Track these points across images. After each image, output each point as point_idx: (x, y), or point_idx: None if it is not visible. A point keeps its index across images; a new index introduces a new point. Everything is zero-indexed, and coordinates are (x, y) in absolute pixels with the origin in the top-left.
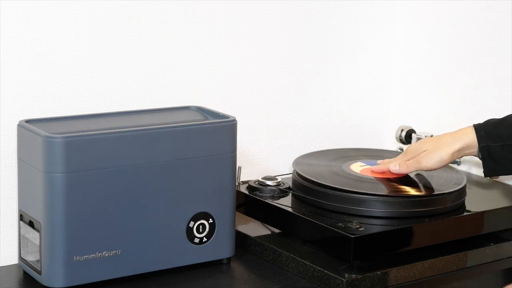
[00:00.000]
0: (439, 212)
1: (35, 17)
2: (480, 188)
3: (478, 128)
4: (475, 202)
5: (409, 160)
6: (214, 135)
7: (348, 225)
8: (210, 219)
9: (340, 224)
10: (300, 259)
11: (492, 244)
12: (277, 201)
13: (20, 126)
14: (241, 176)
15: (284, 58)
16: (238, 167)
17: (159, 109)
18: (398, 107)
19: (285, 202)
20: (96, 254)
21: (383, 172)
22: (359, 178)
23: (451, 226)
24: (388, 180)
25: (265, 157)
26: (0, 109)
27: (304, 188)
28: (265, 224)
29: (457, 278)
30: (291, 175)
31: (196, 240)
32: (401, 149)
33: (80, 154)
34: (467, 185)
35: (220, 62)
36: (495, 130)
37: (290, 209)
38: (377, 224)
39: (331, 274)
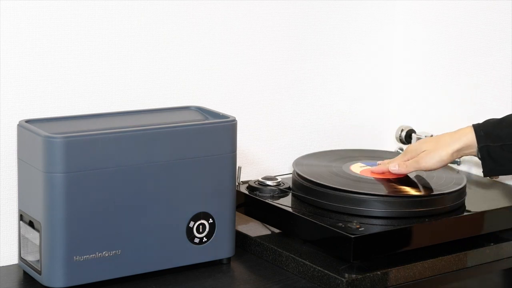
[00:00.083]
0: (439, 212)
1: (35, 17)
2: (480, 188)
3: (477, 128)
4: (475, 202)
5: (408, 160)
6: (214, 135)
7: (348, 225)
8: (210, 219)
9: (340, 224)
10: (300, 259)
11: (492, 244)
12: (277, 201)
13: (20, 126)
14: (241, 176)
15: (284, 58)
16: (238, 167)
17: (159, 109)
18: (398, 107)
19: (285, 202)
20: (96, 254)
21: (383, 173)
22: (359, 179)
23: (451, 226)
24: (388, 180)
25: (265, 157)
26: (0, 109)
27: (304, 188)
28: (265, 224)
29: (457, 278)
30: (291, 175)
31: (196, 240)
32: (401, 149)
33: (80, 154)
34: (467, 185)
35: (220, 62)
36: (494, 130)
37: (290, 209)
38: (377, 224)
39: (331, 274)
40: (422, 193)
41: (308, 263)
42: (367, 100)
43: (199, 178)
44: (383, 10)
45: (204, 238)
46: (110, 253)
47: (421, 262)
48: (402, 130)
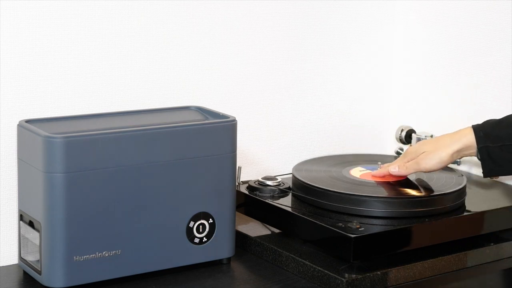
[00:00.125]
0: (439, 212)
1: (35, 17)
2: (480, 188)
3: (476, 129)
4: (475, 202)
5: (408, 162)
6: (214, 135)
7: (348, 225)
8: (210, 219)
9: (340, 224)
10: (300, 259)
11: (492, 244)
12: (277, 201)
13: (20, 126)
14: (241, 176)
15: (284, 58)
16: (238, 167)
17: (159, 109)
18: (398, 107)
19: (285, 202)
20: (96, 254)
21: (383, 176)
22: (359, 183)
23: (451, 226)
24: (389, 183)
25: (265, 157)
26: (0, 109)
27: (304, 188)
28: (265, 224)
29: (457, 278)
30: (291, 175)
31: (196, 240)
32: (401, 149)
33: (80, 154)
34: (467, 185)
35: (220, 62)
36: (493, 131)
37: (290, 209)
38: (377, 224)
39: (331, 274)
40: (422, 193)
41: (308, 263)
42: (367, 100)
43: (199, 178)
44: (383, 10)
45: (204, 238)
46: (110, 253)
47: (421, 262)
48: (402, 130)
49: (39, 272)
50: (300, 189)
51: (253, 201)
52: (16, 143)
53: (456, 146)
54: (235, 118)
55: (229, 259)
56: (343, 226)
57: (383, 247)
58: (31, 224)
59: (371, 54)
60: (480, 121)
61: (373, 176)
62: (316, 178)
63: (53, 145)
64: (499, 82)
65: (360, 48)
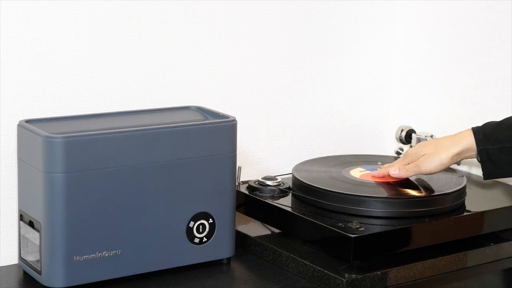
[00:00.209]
0: (439, 212)
1: (35, 17)
2: (480, 188)
3: (476, 131)
4: (475, 202)
5: (408, 164)
6: (214, 135)
7: (348, 225)
8: (210, 219)
9: (340, 224)
10: (300, 259)
11: (492, 244)
12: (277, 201)
13: (20, 126)
14: (241, 176)
15: (284, 58)
16: (238, 167)
17: (159, 109)
18: (398, 107)
19: (285, 202)
20: (96, 254)
21: (383, 177)
22: (359, 183)
23: (451, 226)
24: (388, 183)
25: (265, 157)
26: (0, 109)
27: (304, 188)
28: (265, 224)
29: (457, 278)
30: (291, 175)
31: (196, 240)
32: (401, 149)
33: (80, 154)
34: (467, 185)
35: (220, 62)
36: (493, 133)
37: (290, 209)
38: (377, 224)
39: (331, 274)
40: (422, 193)
41: (308, 263)
42: (367, 100)
43: (199, 178)
44: (383, 10)
45: (204, 238)
46: (110, 253)
47: (421, 262)
48: (402, 130)
49: (39, 272)
50: (300, 189)
51: (253, 201)
52: (16, 143)
53: (456, 149)
54: (235, 118)
55: (229, 259)
56: (343, 226)
57: (383, 247)
58: (31, 224)
59: (371, 54)
60: (480, 122)
61: (373, 176)
62: (316, 179)
63: (53, 145)
64: (499, 82)
65: (360, 48)
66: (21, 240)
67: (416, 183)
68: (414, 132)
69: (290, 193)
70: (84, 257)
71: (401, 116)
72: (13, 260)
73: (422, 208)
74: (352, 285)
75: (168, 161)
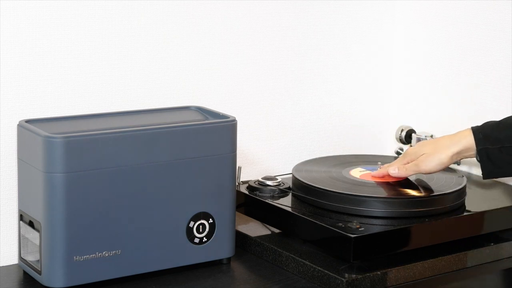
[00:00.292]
0: (439, 212)
1: (35, 17)
2: (480, 188)
3: (476, 131)
4: (475, 202)
5: (408, 163)
6: (214, 135)
7: (348, 225)
8: (210, 219)
9: (340, 224)
10: (300, 259)
11: (492, 244)
12: (277, 201)
13: (20, 126)
14: (241, 176)
15: (284, 58)
16: (238, 167)
17: (159, 109)
18: (398, 107)
19: (285, 202)
20: (96, 254)
21: (383, 176)
22: (359, 183)
23: (451, 226)
24: (388, 183)
25: (265, 157)
26: (0, 109)
27: (304, 188)
28: (265, 224)
29: (457, 278)
30: (291, 175)
31: (196, 240)
32: (401, 149)
33: (80, 154)
34: (467, 185)
35: (220, 62)
36: (493, 133)
37: (290, 209)
38: (377, 224)
39: (331, 274)
40: (422, 193)
41: (308, 263)
42: (367, 100)
43: (199, 178)
44: (383, 10)
45: (204, 238)
46: (110, 253)
47: (421, 262)
48: (402, 130)
49: (39, 272)
50: (300, 189)
51: (253, 201)
52: (16, 143)
53: (455, 148)
54: (235, 118)
55: (229, 259)
56: (343, 226)
57: (383, 247)
58: (31, 224)
59: (371, 54)
60: (480, 121)
61: (373, 176)
62: (316, 179)
63: (53, 145)
64: (499, 82)
65: (360, 48)
66: (21, 240)
67: (416, 183)
68: (414, 132)
69: (290, 193)
70: (84, 257)
71: (401, 116)
72: (13, 260)
73: (422, 208)
74: (352, 285)
75: (168, 161)
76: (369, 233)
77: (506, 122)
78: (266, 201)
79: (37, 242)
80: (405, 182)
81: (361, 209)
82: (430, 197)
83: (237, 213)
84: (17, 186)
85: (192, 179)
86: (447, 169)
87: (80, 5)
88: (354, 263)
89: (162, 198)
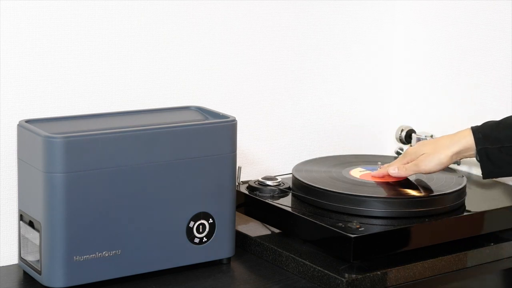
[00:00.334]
0: (439, 212)
1: (35, 17)
2: (480, 188)
3: (475, 130)
4: (475, 202)
5: (407, 163)
6: (214, 135)
7: (348, 225)
8: (210, 219)
9: (340, 224)
10: (300, 259)
11: (492, 244)
12: (277, 201)
13: (20, 126)
14: (241, 176)
15: (284, 58)
16: (238, 167)
17: (159, 109)
18: (398, 107)
19: (285, 202)
20: (96, 254)
21: (383, 176)
22: (359, 183)
23: (451, 226)
24: (388, 183)
25: (265, 157)
26: (0, 109)
27: (304, 188)
28: (265, 224)
29: (457, 278)
30: (291, 175)
31: (196, 240)
32: (401, 149)
33: (80, 154)
34: (467, 185)
35: (220, 62)
36: (492, 133)
37: (290, 209)
38: (377, 224)
39: (331, 274)
40: (422, 193)
41: (308, 263)
42: (367, 100)
43: (199, 178)
44: (383, 10)
45: (204, 238)
46: (110, 253)
47: (421, 262)
48: (402, 130)
49: (39, 272)
50: (300, 189)
51: (253, 201)
52: (16, 143)
53: (455, 148)
54: (235, 118)
55: (229, 259)
56: (343, 226)
57: (383, 247)
58: (31, 224)
59: (371, 54)
60: (480, 121)
61: (373, 176)
62: (316, 179)
63: (53, 145)
64: (499, 82)
65: (360, 48)
66: (21, 240)
67: (416, 183)
68: (414, 132)
69: (290, 193)
70: (84, 257)
71: (401, 116)
72: (13, 260)
73: (422, 208)
74: (352, 285)
75: (168, 161)
76: (369, 233)
77: (505, 122)
78: (266, 201)
79: (37, 242)
80: (405, 182)
81: (361, 209)
82: (430, 197)
83: (237, 213)
84: (17, 186)
85: (192, 179)
86: (447, 169)
87: (80, 5)
88: (354, 263)
89: (162, 198)
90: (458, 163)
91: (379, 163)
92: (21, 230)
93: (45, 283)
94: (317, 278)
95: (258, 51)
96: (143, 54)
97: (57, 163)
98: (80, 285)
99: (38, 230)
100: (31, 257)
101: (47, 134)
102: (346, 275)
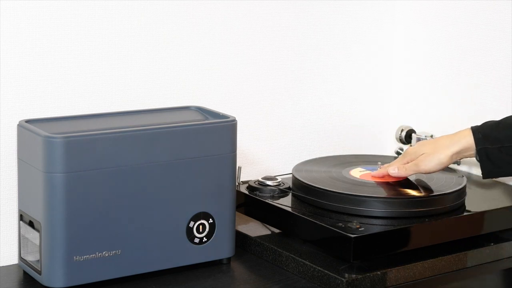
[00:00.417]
0: (439, 212)
1: (35, 17)
2: (480, 188)
3: (475, 130)
4: (475, 202)
5: (407, 163)
6: (214, 135)
7: (348, 225)
8: (210, 219)
9: (340, 224)
10: (300, 259)
11: (492, 244)
12: (277, 201)
13: (20, 126)
14: (241, 176)
15: (284, 58)
16: (238, 167)
17: (159, 109)
18: (398, 107)
19: (285, 202)
20: (96, 254)
21: (382, 176)
22: (359, 183)
23: (451, 226)
24: (388, 183)
25: (265, 157)
26: (0, 109)
27: (304, 188)
28: (265, 224)
29: (457, 278)
30: (291, 175)
31: (196, 240)
32: (401, 149)
33: (80, 154)
34: (467, 185)
35: (220, 62)
36: (492, 133)
37: (290, 209)
38: (377, 224)
39: (331, 274)
40: (422, 193)
41: (308, 263)
42: (367, 100)
43: (199, 178)
44: (383, 10)
45: (204, 238)
46: (110, 253)
47: (421, 262)
48: (402, 130)
49: (39, 272)
50: (300, 189)
51: (253, 201)
52: (16, 143)
53: (455, 148)
54: (235, 118)
55: (229, 259)
56: (343, 226)
57: (383, 247)
58: (31, 224)
59: (371, 54)
60: (480, 122)
61: (373, 176)
62: (316, 179)
63: (53, 145)
64: (499, 82)
65: (360, 48)
66: (21, 240)
67: (416, 183)
68: (414, 132)
69: (290, 193)
70: (84, 257)
71: (401, 116)
72: (13, 260)
73: (422, 208)
74: (352, 285)
75: (168, 161)
76: (369, 233)
77: (505, 122)
78: (266, 201)
79: (37, 242)
80: (405, 182)
81: (361, 209)
82: (430, 197)
83: (237, 213)
84: (17, 186)
85: (192, 179)
86: (447, 169)
87: (80, 5)
88: (354, 263)
89: (162, 198)
90: (458, 163)
91: (379, 163)
92: (21, 230)
93: (45, 283)
94: (317, 278)
95: (258, 51)
96: (143, 54)
97: (57, 163)
98: (80, 285)
99: (38, 230)
100: (31, 257)
101: (47, 134)
102: (346, 275)
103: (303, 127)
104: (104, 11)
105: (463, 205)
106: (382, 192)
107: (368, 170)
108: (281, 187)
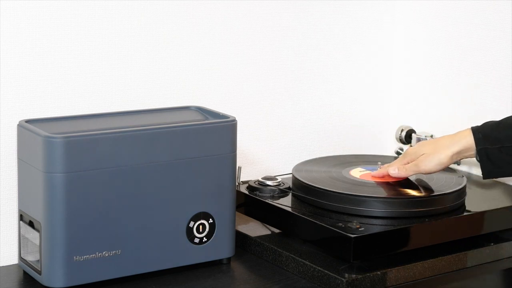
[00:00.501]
0: (439, 212)
1: (35, 17)
2: (480, 188)
3: (475, 130)
4: (475, 202)
5: (407, 163)
6: (214, 135)
7: (348, 225)
8: (210, 219)
9: (340, 224)
10: (300, 259)
11: (492, 244)
12: (277, 201)
13: (20, 126)
14: (241, 176)
15: (284, 58)
16: (238, 167)
17: (159, 109)
18: (398, 107)
19: (285, 202)
20: (96, 254)
21: (382, 176)
22: (359, 183)
23: (451, 226)
24: (388, 183)
25: (265, 157)
26: (0, 109)
27: (304, 188)
28: (265, 224)
29: (457, 278)
30: (291, 175)
31: (196, 240)
32: (401, 149)
33: (80, 154)
34: (467, 185)
35: (220, 62)
36: (492, 133)
37: (290, 209)
38: (377, 224)
39: (331, 274)
40: (422, 193)
41: (308, 263)
42: (367, 100)
43: (199, 178)
44: (383, 10)
45: (204, 238)
46: (110, 253)
47: (421, 262)
48: (402, 130)
49: (39, 272)
50: (300, 189)
51: (253, 201)
52: (16, 143)
53: (455, 148)
54: (235, 118)
55: (229, 259)
56: (343, 226)
57: (383, 247)
58: (31, 224)
59: (371, 54)
60: (480, 122)
61: (373, 176)
62: (316, 179)
63: (53, 145)
64: (499, 82)
65: (360, 48)
66: (21, 240)
67: (416, 183)
68: (414, 132)
69: (290, 193)
70: (84, 257)
71: (401, 116)
72: (13, 260)
73: (422, 208)
74: (352, 285)
75: (168, 161)
76: (369, 233)
77: (506, 122)
78: (266, 201)
79: (37, 242)
80: (405, 182)
81: (361, 209)
82: (430, 197)
83: (237, 213)
84: (17, 186)
85: (192, 179)
86: (447, 169)
87: (80, 5)
88: (354, 263)
89: (162, 198)
90: (458, 163)
91: (379, 163)
92: (21, 230)
93: (45, 283)
94: (317, 278)
95: (258, 51)
96: (143, 54)
97: (57, 163)
98: (80, 285)
99: (38, 230)
100: (31, 257)
101: (47, 134)
102: (346, 275)
103: (303, 127)
104: (104, 11)
105: (463, 205)
106: (382, 192)
107: (368, 170)
108: (281, 187)
